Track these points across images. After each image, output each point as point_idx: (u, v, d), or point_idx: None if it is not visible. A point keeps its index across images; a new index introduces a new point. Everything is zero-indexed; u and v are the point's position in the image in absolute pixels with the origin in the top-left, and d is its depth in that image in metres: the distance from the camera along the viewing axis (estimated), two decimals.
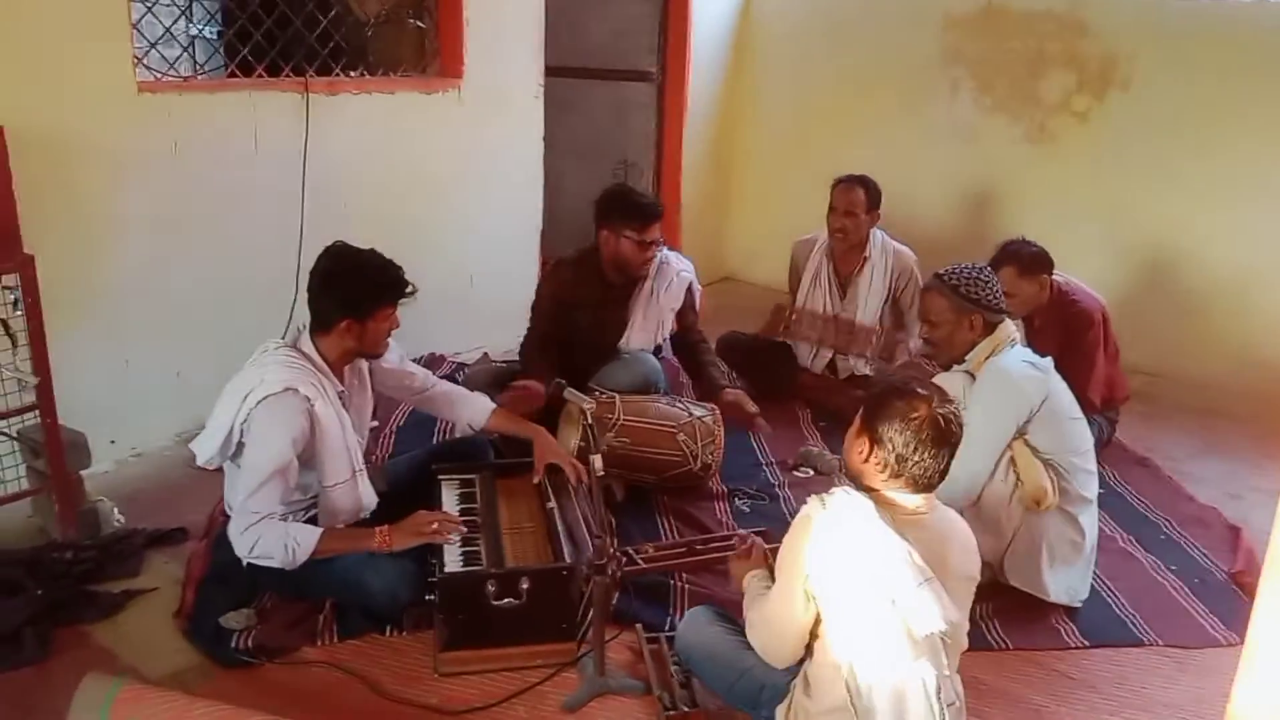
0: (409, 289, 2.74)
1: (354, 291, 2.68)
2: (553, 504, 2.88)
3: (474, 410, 3.13)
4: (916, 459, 1.99)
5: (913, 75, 5.64)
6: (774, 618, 2.08)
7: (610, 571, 2.43)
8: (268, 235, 3.91)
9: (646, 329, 3.84)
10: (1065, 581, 2.94)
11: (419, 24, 4.58)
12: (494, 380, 3.81)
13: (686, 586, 2.96)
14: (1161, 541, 3.44)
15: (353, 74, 4.29)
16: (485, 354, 4.78)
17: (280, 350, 2.70)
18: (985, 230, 5.25)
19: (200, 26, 4.55)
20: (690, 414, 3.52)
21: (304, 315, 2.80)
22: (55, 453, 2.99)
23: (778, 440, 4.07)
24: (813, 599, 1.99)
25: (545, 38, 4.86)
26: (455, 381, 4.15)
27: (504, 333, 4.40)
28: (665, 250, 3.94)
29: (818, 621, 2.03)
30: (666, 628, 2.74)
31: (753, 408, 3.75)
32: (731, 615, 2.52)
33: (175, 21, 3.85)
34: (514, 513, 2.94)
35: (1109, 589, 3.09)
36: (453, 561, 2.64)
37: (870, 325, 4.32)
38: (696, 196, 6.13)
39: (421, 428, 3.87)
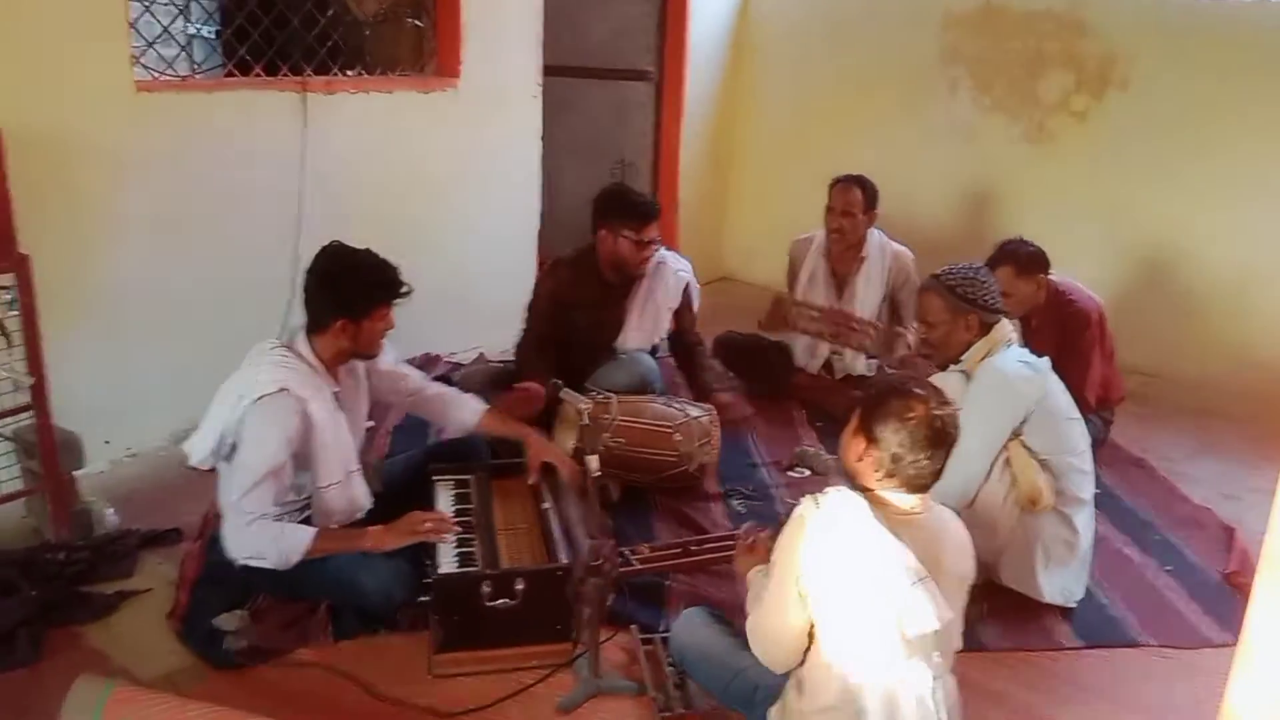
0: (404, 289, 2.74)
1: (349, 291, 2.68)
2: (548, 505, 2.88)
3: (465, 412, 3.13)
4: (912, 459, 1.98)
5: (911, 75, 5.64)
6: (769, 620, 2.08)
7: (606, 572, 2.43)
8: (265, 235, 3.90)
9: (643, 329, 3.84)
10: (1060, 582, 2.94)
11: (417, 23, 4.58)
12: (490, 380, 3.81)
13: (682, 587, 2.96)
14: (1156, 542, 3.44)
15: (350, 73, 4.29)
16: (481, 354, 4.78)
17: (275, 350, 2.70)
18: (983, 230, 5.24)
19: (198, 26, 4.54)
20: (686, 414, 3.51)
21: (300, 315, 2.80)
22: (49, 453, 2.98)
23: (774, 441, 4.07)
24: (806, 599, 1.99)
25: (543, 37, 4.86)
26: (451, 382, 4.16)
27: (501, 333, 4.40)
28: (663, 250, 3.93)
29: (814, 624, 2.02)
30: (661, 629, 2.73)
31: (745, 412, 3.75)
32: (726, 616, 2.52)
33: (173, 21, 3.84)
34: (509, 513, 2.94)
35: (1104, 589, 3.09)
36: (448, 562, 2.64)
37: (870, 317, 4.31)
38: (694, 196, 6.13)
39: (417, 428, 3.87)
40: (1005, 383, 2.85)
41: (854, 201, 4.19)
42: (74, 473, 3.11)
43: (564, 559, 2.62)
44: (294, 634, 2.67)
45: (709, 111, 6.13)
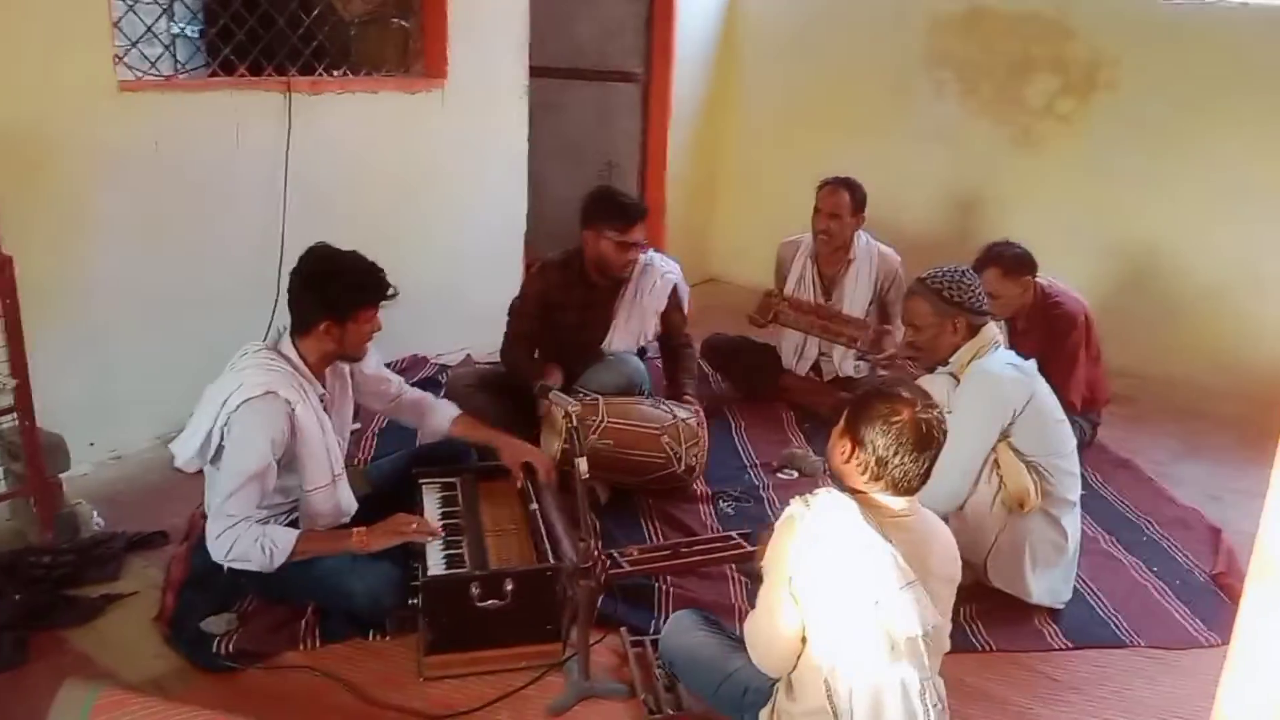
0: (390, 291, 2.73)
1: (335, 293, 2.67)
2: (535, 505, 2.87)
3: (439, 418, 3.12)
4: (897, 462, 1.99)
5: (898, 77, 5.65)
6: (761, 622, 2.08)
7: (595, 574, 2.43)
8: (249, 236, 3.88)
9: (629, 330, 3.84)
10: (1048, 583, 2.95)
11: (403, 23, 4.56)
12: (478, 382, 3.80)
13: (671, 589, 2.96)
14: (1143, 543, 3.45)
15: (336, 74, 4.27)
16: (468, 355, 4.77)
17: (260, 353, 2.68)
18: (969, 232, 5.27)
19: (182, 25, 4.51)
20: (674, 416, 3.51)
21: (285, 317, 2.78)
22: (33, 455, 2.96)
23: (762, 442, 4.07)
24: (799, 601, 1.99)
25: (530, 38, 4.85)
26: (439, 383, 4.16)
27: (487, 334, 4.38)
28: (651, 252, 3.93)
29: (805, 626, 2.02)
30: (651, 631, 2.73)
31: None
32: (717, 619, 2.52)
33: (157, 20, 3.81)
34: (496, 515, 2.93)
35: (1091, 590, 3.10)
36: (436, 564, 2.63)
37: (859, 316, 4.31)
38: (681, 197, 6.13)
39: (403, 430, 3.84)
40: (993, 385, 2.86)
41: (842, 204, 4.20)
42: (59, 475, 3.08)
43: (552, 559, 2.62)
44: (282, 637, 2.65)
45: (696, 113, 6.12)
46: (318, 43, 4.16)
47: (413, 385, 3.32)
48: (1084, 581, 3.11)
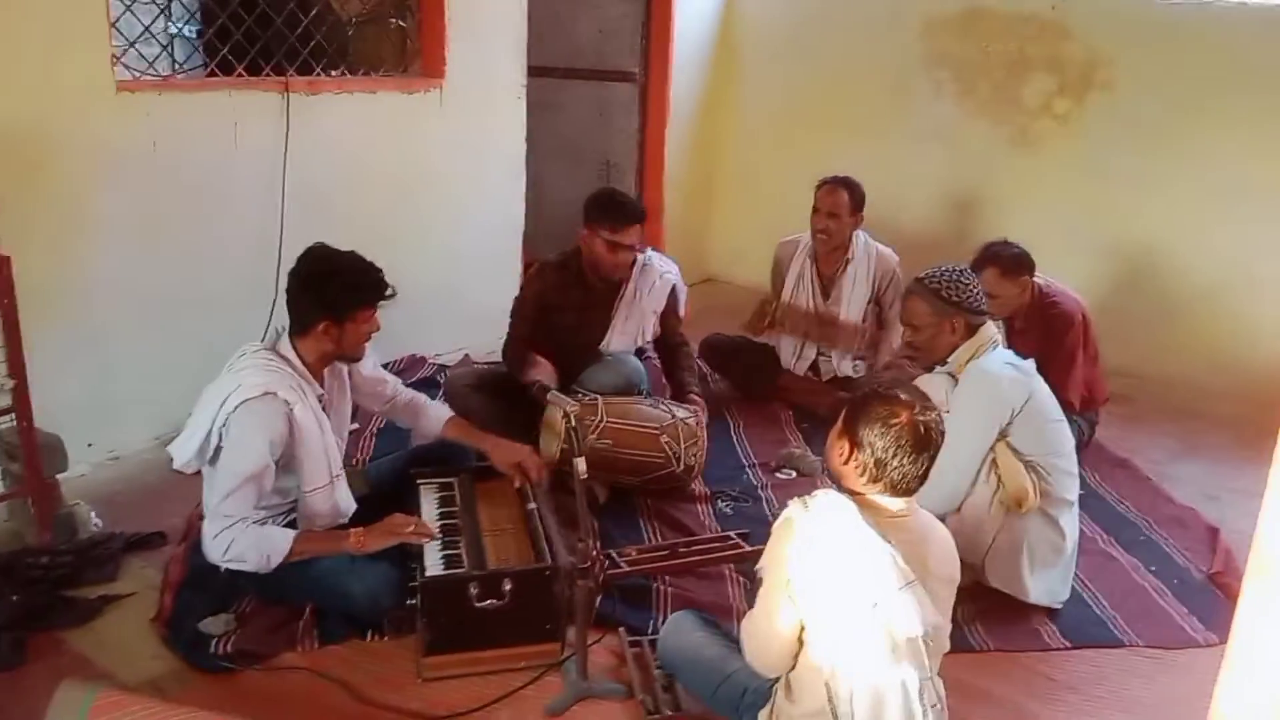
0: (388, 291, 2.73)
1: (333, 293, 2.66)
2: (534, 505, 2.87)
3: (431, 420, 3.12)
4: (896, 464, 1.99)
5: (895, 78, 5.66)
6: (759, 623, 2.08)
7: (593, 574, 2.43)
8: (247, 236, 3.88)
9: (628, 331, 3.84)
10: (1046, 583, 2.95)
11: (400, 23, 4.56)
12: (476, 382, 3.80)
13: (669, 589, 2.96)
14: (1141, 542, 3.46)
15: (334, 74, 4.26)
16: (466, 355, 4.77)
17: (259, 353, 2.68)
18: (967, 232, 5.27)
19: (179, 25, 4.51)
20: (673, 415, 3.51)
21: (283, 317, 2.78)
22: (31, 456, 2.95)
23: (760, 442, 4.07)
24: (797, 602, 1.99)
25: (528, 38, 4.85)
26: (437, 384, 4.16)
27: (485, 334, 4.39)
28: (649, 252, 3.93)
29: (804, 628, 2.02)
30: (649, 631, 2.73)
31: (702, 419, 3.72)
32: (715, 619, 2.52)
33: (154, 20, 3.81)
34: (494, 515, 2.93)
35: (1089, 590, 3.11)
36: (434, 565, 2.63)
37: (854, 322, 4.33)
38: (679, 198, 6.13)
39: (401, 431, 3.85)
40: (992, 385, 2.86)
41: (840, 203, 4.20)
42: (56, 476, 3.07)
43: (550, 559, 2.62)
44: (280, 638, 2.65)
45: (694, 113, 6.12)
46: (315, 43, 4.15)
47: (411, 385, 3.33)
48: (1082, 581, 3.11)
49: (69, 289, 3.41)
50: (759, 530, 3.19)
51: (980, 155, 5.45)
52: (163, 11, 3.93)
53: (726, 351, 4.55)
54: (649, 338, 3.92)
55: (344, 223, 3.91)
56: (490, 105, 4.78)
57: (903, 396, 2.03)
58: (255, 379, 2.59)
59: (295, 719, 2.41)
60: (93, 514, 3.13)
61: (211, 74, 3.86)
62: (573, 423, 2.51)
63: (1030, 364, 2.97)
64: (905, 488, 2.03)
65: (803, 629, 2.01)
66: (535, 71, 5.01)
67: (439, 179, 4.63)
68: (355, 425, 3.65)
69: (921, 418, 2.00)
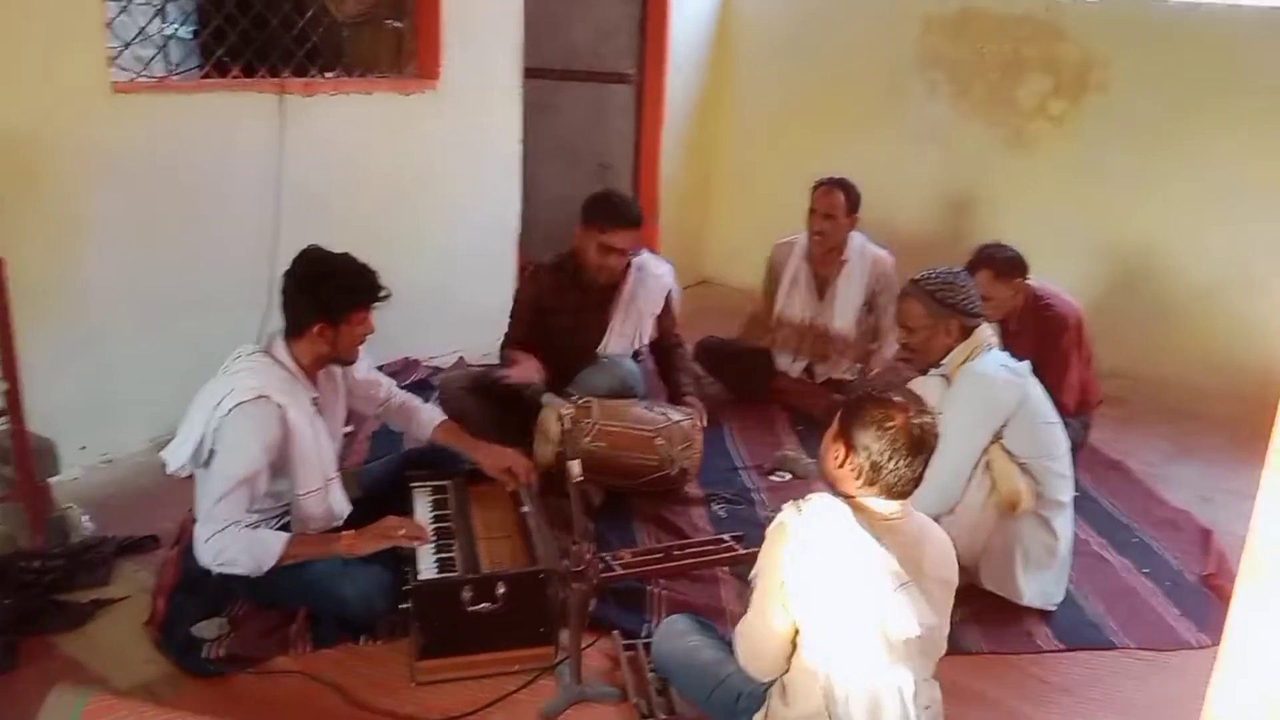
0: (383, 292, 2.72)
1: (327, 295, 2.66)
2: (527, 508, 2.87)
3: (422, 424, 3.12)
4: (891, 467, 1.99)
5: (891, 79, 5.66)
6: (753, 628, 2.08)
7: (587, 578, 2.42)
8: (242, 238, 3.87)
9: (625, 334, 3.83)
10: (1039, 585, 2.95)
11: (396, 25, 4.55)
12: (471, 384, 3.79)
13: (664, 593, 2.95)
14: (1134, 545, 3.46)
15: (329, 75, 4.26)
16: (461, 358, 4.76)
17: (253, 356, 2.68)
18: (961, 233, 5.27)
19: (175, 27, 4.50)
20: (668, 418, 3.51)
21: (279, 319, 2.77)
22: (24, 460, 2.94)
23: (755, 445, 4.07)
24: (790, 606, 1.99)
25: (524, 39, 4.85)
26: (432, 386, 4.15)
27: (480, 336, 4.38)
28: (645, 253, 3.93)
29: (798, 631, 2.02)
30: (644, 634, 2.73)
31: (702, 421, 3.72)
32: (710, 623, 2.52)
33: (150, 21, 3.80)
34: (488, 518, 2.93)
35: (1083, 592, 3.11)
36: (428, 568, 2.62)
37: (846, 332, 4.33)
38: (675, 199, 6.13)
39: (394, 434, 3.84)
40: (986, 387, 2.86)
41: (836, 204, 4.21)
42: (49, 479, 3.07)
43: (544, 562, 2.61)
44: (273, 642, 2.65)
45: (690, 114, 6.12)
46: (311, 44, 4.15)
47: (405, 388, 3.32)
48: (1075, 583, 3.11)
49: (63, 291, 3.40)
50: (753, 533, 3.21)
51: (975, 156, 5.45)
52: (158, 13, 3.92)
53: (721, 354, 4.55)
54: (646, 340, 3.92)
55: (340, 224, 3.91)
56: (486, 106, 4.77)
57: (897, 400, 2.03)
58: (249, 382, 2.59)
59: None
60: (85, 517, 3.13)
61: (207, 75, 3.86)
62: (567, 425, 2.51)
63: (1025, 366, 2.97)
64: (900, 491, 2.03)
65: (797, 633, 2.01)
66: (531, 73, 5.00)
67: (435, 180, 4.63)
68: (349, 429, 3.64)
69: (916, 421, 2.00)
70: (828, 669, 1.98)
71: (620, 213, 3.67)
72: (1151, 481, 3.96)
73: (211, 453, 2.60)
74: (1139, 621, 2.99)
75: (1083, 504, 3.51)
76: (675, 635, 2.44)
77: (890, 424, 1.99)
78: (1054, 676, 2.73)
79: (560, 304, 3.78)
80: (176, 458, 2.66)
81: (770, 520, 2.08)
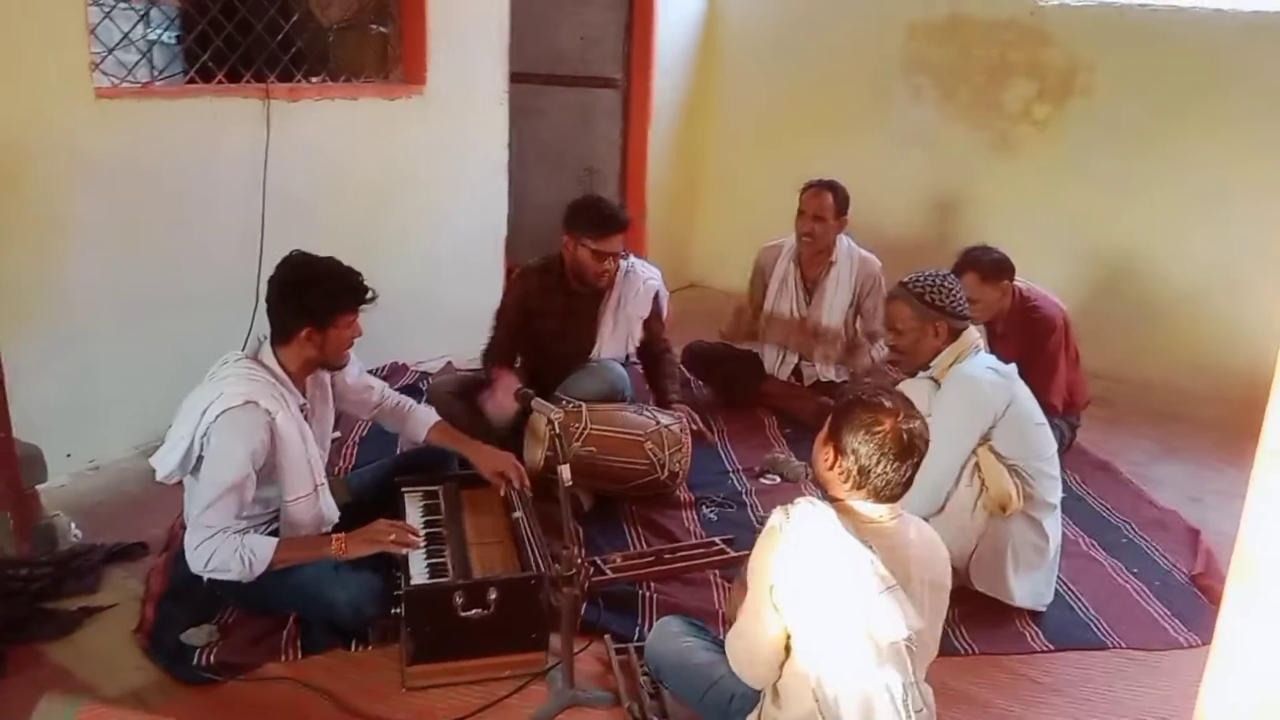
0: (369, 295, 2.72)
1: (313, 299, 2.65)
2: (519, 513, 2.87)
3: (416, 425, 3.12)
4: (879, 471, 1.99)
5: (877, 83, 5.68)
6: (746, 633, 2.08)
7: (578, 582, 2.42)
8: (229, 242, 3.85)
9: (617, 338, 3.83)
10: (1030, 586, 2.97)
11: (382, 29, 4.54)
12: (459, 389, 3.78)
13: (655, 596, 2.95)
14: (1123, 545, 3.48)
15: (315, 80, 4.24)
16: (449, 363, 4.75)
17: (240, 362, 2.67)
18: (948, 236, 5.30)
19: (159, 32, 4.48)
20: (658, 422, 3.51)
21: (265, 325, 2.77)
22: (9, 467, 2.92)
23: (744, 448, 4.08)
24: (781, 611, 1.99)
25: (510, 44, 4.84)
26: (420, 391, 4.14)
27: (468, 341, 4.37)
28: (632, 258, 3.93)
29: (790, 637, 2.02)
30: (635, 638, 2.73)
31: (696, 425, 3.73)
32: (701, 625, 2.52)
33: (133, 27, 3.79)
34: (479, 523, 2.92)
35: (1072, 593, 3.12)
36: (419, 573, 2.62)
37: (835, 328, 4.34)
38: (662, 203, 6.13)
39: (384, 439, 3.83)
40: (974, 389, 2.88)
41: (825, 206, 4.22)
42: (36, 487, 3.05)
43: (536, 568, 2.61)
44: (263, 648, 2.63)
45: (676, 118, 6.13)
46: (296, 49, 4.13)
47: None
48: (1065, 584, 3.13)
49: (48, 297, 3.38)
50: (743, 536, 3.22)
51: (961, 160, 5.48)
52: (142, 18, 3.91)
53: (709, 358, 4.56)
54: (636, 344, 3.92)
55: (325, 229, 3.90)
56: (472, 111, 4.77)
57: (887, 404, 2.04)
58: (236, 388, 2.57)
59: None
60: (72, 525, 3.10)
61: (192, 81, 3.84)
62: (557, 430, 2.51)
63: (1012, 368, 2.98)
64: (889, 495, 2.04)
65: (789, 636, 2.01)
66: (517, 78, 5.00)
67: (421, 185, 4.62)
68: (338, 434, 3.63)
69: (905, 425, 2.01)
70: (818, 672, 1.98)
71: (610, 221, 3.66)
72: (1139, 482, 3.98)
73: (199, 459, 2.59)
74: (1129, 621, 3.00)
75: (1071, 505, 3.53)
76: (668, 637, 2.44)
77: (879, 428, 1.99)
78: (1045, 677, 2.74)
79: (547, 307, 3.77)
80: (165, 465, 2.65)
81: (761, 523, 2.08)
